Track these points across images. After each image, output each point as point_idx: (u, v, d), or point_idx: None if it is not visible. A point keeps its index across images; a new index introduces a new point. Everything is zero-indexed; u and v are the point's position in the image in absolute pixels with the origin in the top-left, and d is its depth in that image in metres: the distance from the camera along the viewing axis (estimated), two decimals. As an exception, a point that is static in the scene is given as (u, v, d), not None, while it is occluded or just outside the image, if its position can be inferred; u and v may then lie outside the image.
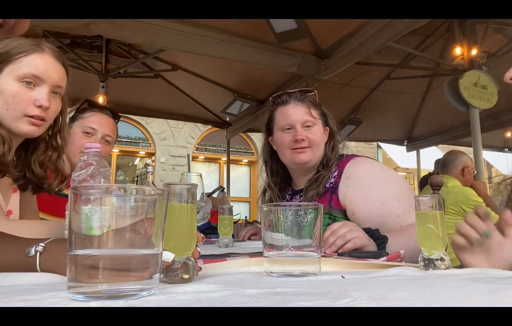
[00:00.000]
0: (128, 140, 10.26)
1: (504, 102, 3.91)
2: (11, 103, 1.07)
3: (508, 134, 6.54)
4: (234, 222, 2.56)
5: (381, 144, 10.50)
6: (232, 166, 8.37)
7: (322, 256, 0.77)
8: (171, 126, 10.22)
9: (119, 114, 1.92)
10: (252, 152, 11.24)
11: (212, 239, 1.79)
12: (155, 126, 10.18)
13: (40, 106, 1.09)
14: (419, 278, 0.67)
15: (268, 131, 1.66)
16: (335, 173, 1.49)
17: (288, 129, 1.54)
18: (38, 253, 0.65)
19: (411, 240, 1.07)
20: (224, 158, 9.18)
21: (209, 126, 8.16)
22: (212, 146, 10.82)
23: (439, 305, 0.43)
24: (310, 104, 1.55)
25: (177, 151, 10.31)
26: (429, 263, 0.79)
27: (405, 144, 6.41)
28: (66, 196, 1.42)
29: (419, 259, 0.81)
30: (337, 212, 1.41)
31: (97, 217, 0.47)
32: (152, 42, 3.06)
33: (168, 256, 0.57)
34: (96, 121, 1.76)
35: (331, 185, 1.47)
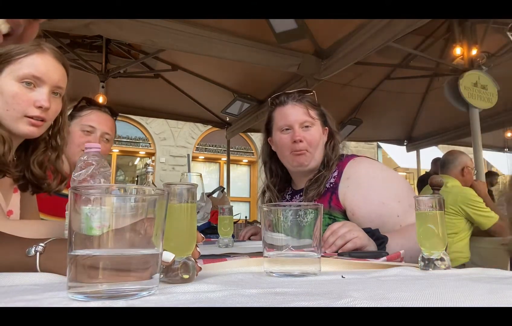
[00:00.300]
0: (128, 140, 10.26)
1: (504, 102, 3.91)
2: (11, 103, 1.07)
3: (508, 134, 6.54)
4: (234, 222, 2.56)
5: (381, 144, 10.50)
6: (232, 166, 8.37)
7: (322, 256, 0.77)
8: (171, 126, 10.21)
9: (117, 112, 1.92)
10: (252, 152, 11.24)
11: (212, 239, 1.79)
12: (155, 126, 10.18)
13: (40, 107, 1.09)
14: (419, 278, 0.67)
15: (267, 131, 1.66)
16: (335, 173, 1.49)
17: (287, 129, 1.53)
18: (38, 253, 0.65)
19: (411, 240, 1.07)
20: (224, 158, 9.18)
21: (209, 126, 8.16)
22: (212, 146, 10.82)
23: (439, 305, 0.43)
24: (308, 104, 1.55)
25: (177, 151, 10.31)
26: (429, 263, 0.79)
27: (405, 144, 6.41)
28: (66, 196, 1.42)
29: (419, 259, 0.81)
30: (337, 212, 1.41)
31: (97, 217, 0.47)
32: (152, 42, 3.06)
33: (168, 256, 0.58)
34: (95, 119, 1.76)
35: (331, 185, 1.47)
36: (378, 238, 1.17)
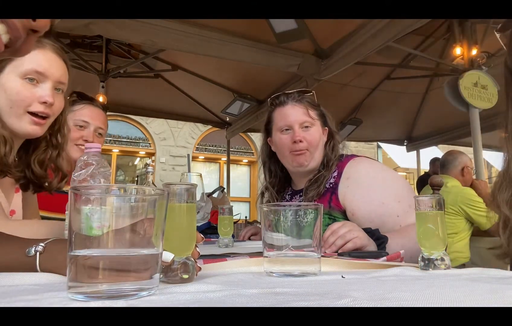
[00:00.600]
0: (128, 140, 10.26)
1: (504, 102, 3.89)
2: (15, 100, 1.06)
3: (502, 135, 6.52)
4: (234, 222, 2.56)
5: (381, 144, 10.49)
6: (232, 166, 8.37)
7: (322, 256, 0.77)
8: (171, 126, 10.21)
9: (108, 107, 1.93)
10: (252, 152, 11.23)
11: (212, 239, 1.79)
12: (155, 126, 10.18)
13: (44, 103, 1.08)
14: (419, 278, 0.67)
15: (267, 132, 1.66)
16: (335, 173, 1.49)
17: (287, 130, 1.53)
18: (38, 253, 0.65)
19: (411, 240, 1.07)
20: (224, 158, 9.17)
21: (209, 126, 8.16)
22: (212, 146, 10.82)
23: (439, 305, 0.43)
24: (308, 105, 1.55)
25: (177, 151, 10.31)
26: (429, 263, 0.79)
27: (405, 144, 6.41)
28: (66, 192, 1.42)
29: (419, 259, 0.81)
30: (337, 212, 1.41)
31: (97, 217, 0.47)
32: (152, 42, 3.06)
33: (167, 256, 0.58)
34: (88, 114, 1.75)
35: (331, 185, 1.47)
36: (378, 238, 1.17)
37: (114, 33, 3.03)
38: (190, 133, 10.52)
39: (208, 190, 3.12)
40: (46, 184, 1.20)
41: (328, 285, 0.58)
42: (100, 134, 1.79)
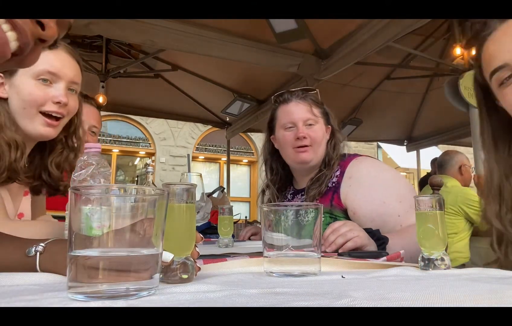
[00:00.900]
0: (128, 140, 10.26)
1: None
2: (28, 100, 1.06)
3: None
4: (234, 222, 2.56)
5: (381, 144, 10.49)
6: (232, 166, 8.37)
7: (322, 256, 0.77)
8: (171, 126, 10.21)
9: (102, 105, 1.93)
10: (252, 152, 11.23)
11: (212, 239, 1.78)
12: (155, 126, 10.18)
13: (58, 103, 1.08)
14: (419, 278, 0.67)
15: (270, 129, 1.67)
16: (337, 172, 1.50)
17: (290, 127, 1.54)
18: (38, 253, 0.65)
19: (412, 241, 1.07)
20: (224, 158, 9.17)
21: (209, 126, 8.15)
22: (212, 146, 10.82)
23: (439, 305, 0.43)
24: (312, 103, 1.57)
25: (177, 151, 10.31)
26: (429, 263, 0.79)
27: (405, 144, 6.41)
28: None
29: (419, 259, 0.81)
30: (338, 211, 1.42)
31: (97, 217, 0.47)
32: (152, 42, 3.05)
33: (167, 256, 0.58)
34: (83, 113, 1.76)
35: (333, 184, 1.47)
36: (379, 238, 1.17)
37: (114, 33, 3.03)
38: (190, 133, 10.52)
39: (208, 190, 3.12)
40: (62, 187, 1.19)
41: (328, 285, 0.58)
42: (93, 132, 1.79)
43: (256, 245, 1.50)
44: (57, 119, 1.10)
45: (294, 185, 1.68)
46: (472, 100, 3.61)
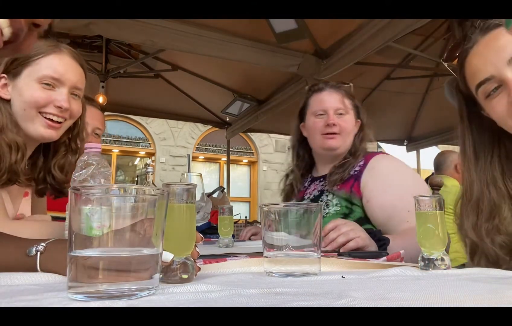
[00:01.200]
0: (128, 140, 10.26)
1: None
2: (29, 102, 1.06)
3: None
4: (234, 222, 2.56)
5: (381, 144, 10.45)
6: (232, 166, 8.37)
7: (322, 256, 0.77)
8: (171, 126, 10.22)
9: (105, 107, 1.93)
10: (252, 152, 11.23)
11: (212, 239, 1.78)
12: (155, 126, 10.18)
13: (59, 107, 1.09)
14: (419, 278, 0.67)
15: (301, 117, 1.71)
16: (361, 162, 1.55)
17: (321, 114, 1.59)
18: (38, 253, 0.65)
19: (413, 243, 1.07)
20: (224, 158, 9.17)
21: (209, 126, 8.16)
22: (212, 146, 10.82)
23: (439, 305, 0.43)
24: (344, 94, 1.62)
25: (177, 151, 10.31)
26: (429, 263, 0.79)
27: (405, 144, 6.41)
28: None
29: (419, 259, 0.81)
30: (356, 198, 1.46)
31: (97, 217, 0.47)
32: (152, 42, 3.06)
33: (167, 256, 0.58)
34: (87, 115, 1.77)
35: (355, 172, 1.52)
36: (380, 239, 1.18)
37: (114, 33, 3.03)
38: (190, 133, 10.52)
39: (208, 190, 3.12)
40: (67, 189, 1.20)
41: (328, 285, 0.58)
42: (97, 134, 1.79)
43: (256, 245, 1.50)
44: (58, 122, 1.10)
45: (313, 173, 1.73)
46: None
